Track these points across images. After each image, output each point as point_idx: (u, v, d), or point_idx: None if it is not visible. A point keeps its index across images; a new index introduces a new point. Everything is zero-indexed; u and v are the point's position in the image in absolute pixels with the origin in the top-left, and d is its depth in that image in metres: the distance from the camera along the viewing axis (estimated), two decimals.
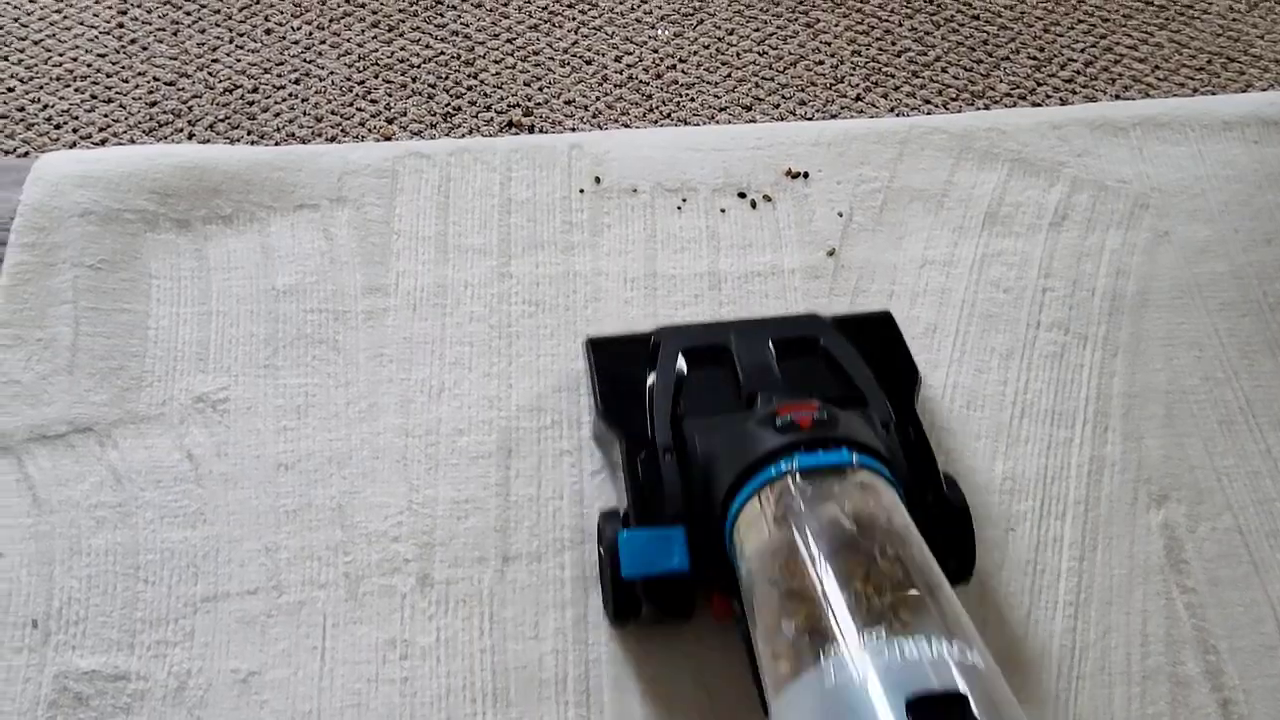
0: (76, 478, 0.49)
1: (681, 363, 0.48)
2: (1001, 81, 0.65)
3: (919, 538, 0.38)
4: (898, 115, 0.64)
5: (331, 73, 0.65)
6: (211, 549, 0.47)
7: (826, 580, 0.35)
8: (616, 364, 0.49)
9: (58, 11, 0.67)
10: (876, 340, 0.50)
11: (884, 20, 0.67)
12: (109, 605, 0.46)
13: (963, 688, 0.31)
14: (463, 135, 0.63)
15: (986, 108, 0.65)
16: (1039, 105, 0.65)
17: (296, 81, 0.64)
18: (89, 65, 0.65)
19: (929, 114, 0.64)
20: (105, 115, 0.63)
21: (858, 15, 0.67)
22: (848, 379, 0.47)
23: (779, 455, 0.40)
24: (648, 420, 0.46)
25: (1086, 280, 0.56)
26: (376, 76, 0.65)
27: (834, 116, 0.64)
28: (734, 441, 0.42)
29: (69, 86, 0.64)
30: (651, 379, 0.47)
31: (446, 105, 0.64)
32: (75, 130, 0.63)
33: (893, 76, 0.65)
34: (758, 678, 0.38)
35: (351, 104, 0.64)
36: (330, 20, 0.67)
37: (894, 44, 0.67)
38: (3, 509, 0.47)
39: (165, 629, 0.45)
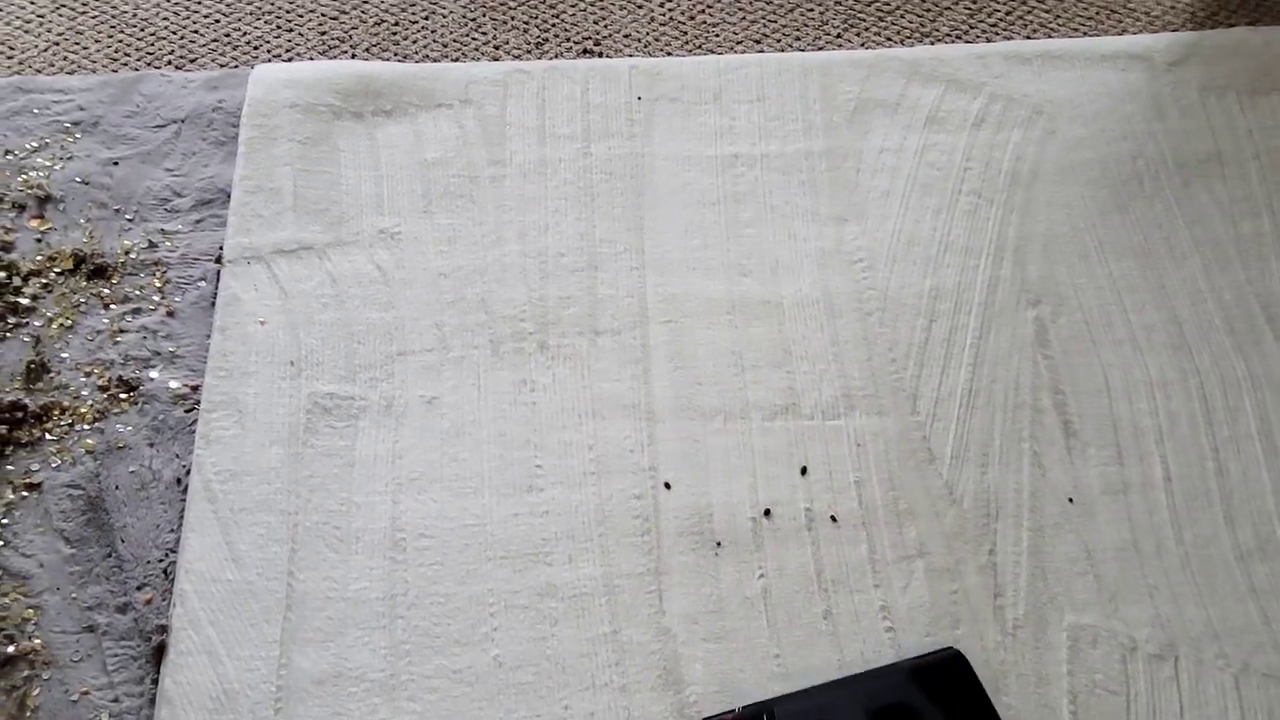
0: (306, 278, 0.72)
1: None
2: (944, 25, 0.89)
3: None
4: (868, 49, 0.87)
5: (451, 13, 0.87)
6: (399, 324, 0.71)
7: None
8: None
9: None
10: (957, 693, 0.59)
11: None
12: (337, 355, 0.69)
13: None
14: (551, 59, 0.86)
15: (932, 44, 0.88)
16: (971, 43, 0.88)
17: (427, 18, 0.87)
18: (272, 3, 0.88)
19: (890, 48, 0.87)
20: (288, 41, 0.86)
21: None
22: None
23: None
24: None
25: (996, 163, 0.80)
26: (485, 15, 0.87)
27: (821, 49, 0.87)
28: None
29: (259, 19, 0.87)
30: None
31: (537, 37, 0.87)
32: (269, 51, 0.85)
33: (864, 20, 0.89)
34: None
35: (468, 35, 0.87)
36: None
37: None
38: (265, 294, 0.71)
39: (375, 370, 0.69)
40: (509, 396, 0.69)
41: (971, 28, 0.88)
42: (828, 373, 0.70)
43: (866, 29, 0.88)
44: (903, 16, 0.88)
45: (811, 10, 0.88)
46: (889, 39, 0.87)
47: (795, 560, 0.64)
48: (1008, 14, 0.89)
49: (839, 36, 0.87)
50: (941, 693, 0.58)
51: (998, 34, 0.88)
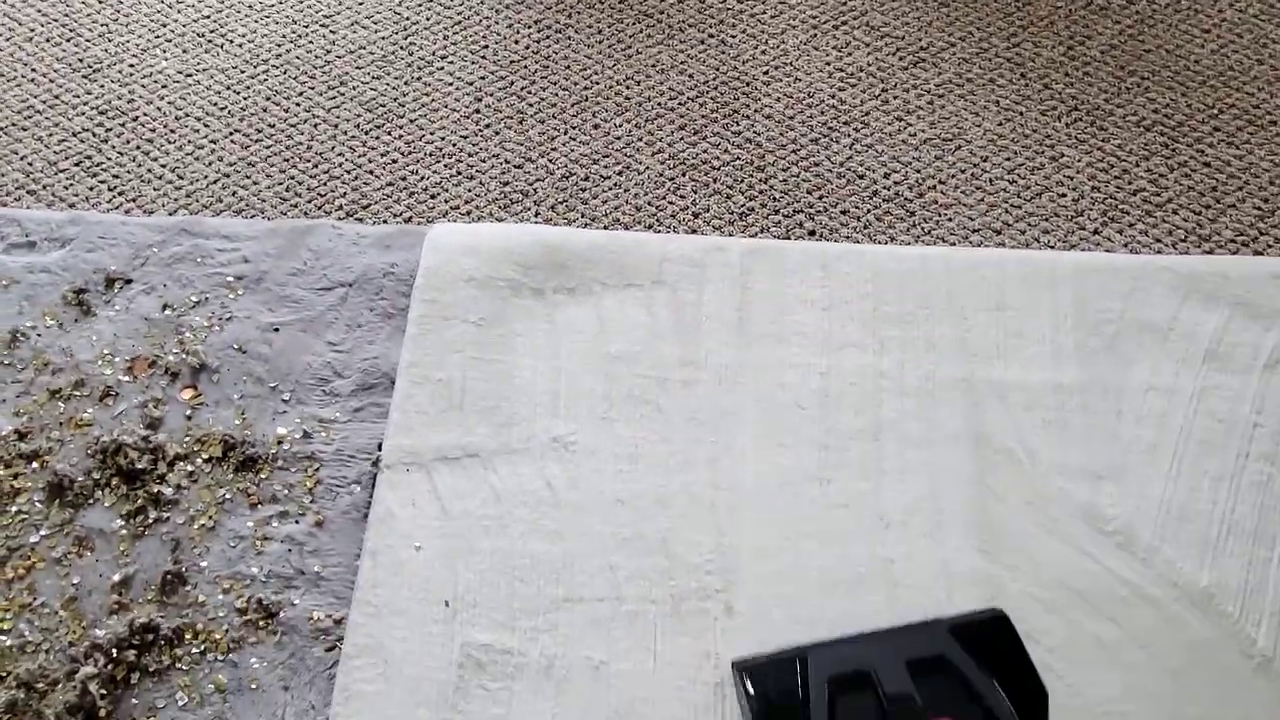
0: (469, 493, 0.63)
1: (828, 688, 0.54)
2: (1227, 228, 0.75)
3: None
4: (1131, 251, 0.74)
5: (647, 168, 0.78)
6: (568, 561, 0.62)
7: None
8: (770, 686, 0.55)
9: (426, 95, 0.82)
10: (999, 651, 0.56)
11: (1122, 160, 0.77)
12: (496, 595, 0.60)
13: None
14: (754, 234, 0.76)
15: (1210, 251, 0.74)
16: (1260, 254, 0.74)
17: (620, 173, 0.78)
18: (454, 145, 0.80)
19: (1159, 252, 0.74)
20: (468, 190, 0.78)
21: (1099, 153, 0.77)
22: (982, 703, 0.53)
23: None
24: None
25: None
26: (684, 175, 0.78)
27: (1073, 247, 0.74)
28: None
29: (439, 162, 0.80)
30: (806, 709, 0.54)
31: (741, 205, 0.77)
32: (446, 201, 0.78)
33: (1128, 214, 0.75)
34: None
35: (664, 197, 0.77)
36: (646, 120, 0.80)
37: (1130, 183, 0.76)
38: (422, 511, 0.63)
39: (537, 619, 0.60)
40: (688, 672, 0.58)
41: (1262, 234, 0.74)
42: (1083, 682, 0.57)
43: (1130, 225, 0.74)
44: (1175, 212, 0.75)
45: (1064, 195, 0.76)
46: (1158, 240, 0.74)
47: None
48: None
49: (1096, 233, 0.74)
50: (983, 649, 0.56)
51: None
